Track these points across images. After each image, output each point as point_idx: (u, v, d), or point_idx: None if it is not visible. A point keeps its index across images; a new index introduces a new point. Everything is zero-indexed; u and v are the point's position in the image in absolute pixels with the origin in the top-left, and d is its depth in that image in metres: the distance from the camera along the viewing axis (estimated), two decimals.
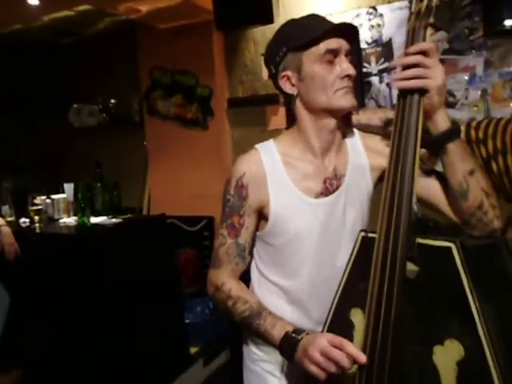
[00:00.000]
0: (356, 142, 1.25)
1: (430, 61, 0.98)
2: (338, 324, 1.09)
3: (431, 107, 1.01)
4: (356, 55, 2.69)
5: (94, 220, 2.65)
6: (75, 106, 3.85)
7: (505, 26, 2.55)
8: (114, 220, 2.59)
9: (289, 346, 1.04)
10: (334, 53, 1.12)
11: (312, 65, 1.12)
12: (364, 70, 2.93)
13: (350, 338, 1.03)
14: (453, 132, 1.04)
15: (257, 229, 1.24)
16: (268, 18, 2.69)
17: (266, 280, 1.27)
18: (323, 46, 1.11)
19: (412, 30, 1.04)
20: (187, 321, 3.03)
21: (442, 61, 2.74)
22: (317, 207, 1.19)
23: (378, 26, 2.89)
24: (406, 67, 1.00)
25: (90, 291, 2.34)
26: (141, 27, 3.33)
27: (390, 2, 2.84)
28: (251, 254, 1.28)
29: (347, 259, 1.15)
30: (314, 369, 0.96)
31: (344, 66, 1.12)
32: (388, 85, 2.91)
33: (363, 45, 2.92)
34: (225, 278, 1.21)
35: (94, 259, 2.35)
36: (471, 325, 0.86)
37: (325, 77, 1.12)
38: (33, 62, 3.82)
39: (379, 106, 2.95)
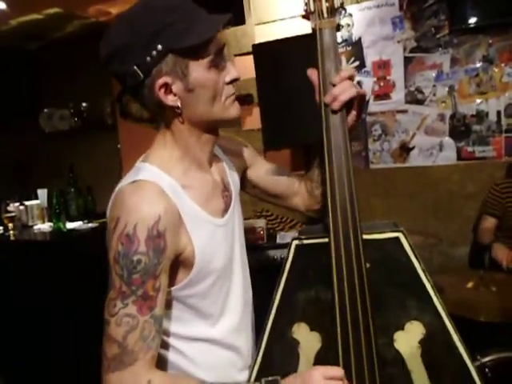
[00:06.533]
0: (216, 147, 1.11)
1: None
2: (278, 347, 1.01)
3: (353, 124, 1.02)
4: None
5: (69, 225, 2.62)
6: (46, 110, 3.78)
7: (469, 23, 2.64)
8: (90, 225, 2.57)
9: None
10: (222, 53, 0.93)
11: (202, 70, 0.90)
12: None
13: (296, 357, 0.99)
14: None
15: (170, 284, 0.94)
16: (239, 19, 2.71)
17: (188, 341, 1.01)
18: (215, 46, 0.90)
19: (319, 30, 0.96)
20: None
21: (410, 58, 2.82)
22: (226, 226, 1.04)
23: (348, 25, 2.94)
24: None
25: (68, 298, 2.32)
26: None
27: (358, 2, 2.90)
28: None
29: (248, 270, 1.14)
30: None
31: (231, 69, 0.95)
32: (359, 83, 2.97)
33: None
34: (148, 374, 0.85)
35: (70, 265, 2.32)
36: (429, 302, 0.94)
37: (216, 83, 0.92)
38: (2, 67, 3.74)
39: None
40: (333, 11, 0.94)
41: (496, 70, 2.68)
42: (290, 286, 1.01)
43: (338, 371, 0.90)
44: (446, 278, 2.06)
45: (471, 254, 2.83)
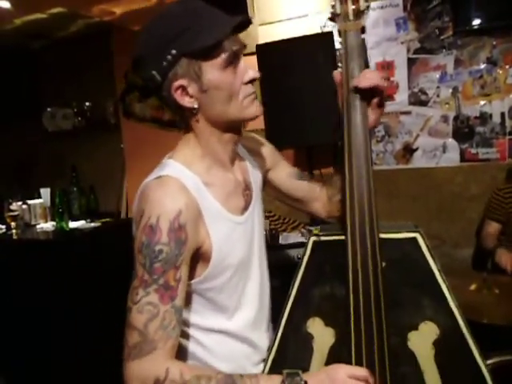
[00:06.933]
0: (239, 146, 1.14)
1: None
2: (293, 340, 1.03)
3: (373, 123, 1.04)
4: (331, 57, 2.72)
5: (72, 225, 2.62)
6: (49, 109, 3.78)
7: (473, 25, 2.63)
8: (92, 224, 2.58)
9: None
10: (237, 55, 0.96)
11: (215, 71, 0.93)
12: (339, 70, 2.97)
13: (310, 351, 1.01)
14: None
15: (190, 277, 0.97)
16: None
17: (206, 332, 1.05)
18: (227, 47, 0.93)
19: (344, 32, 1.00)
20: None
21: (413, 59, 2.82)
22: (245, 224, 1.07)
23: None
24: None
25: (70, 297, 2.32)
26: (116, 29, 3.30)
27: None
28: None
29: (267, 268, 1.17)
30: None
31: (247, 69, 0.98)
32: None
33: (337, 45, 2.96)
34: (166, 363, 0.87)
35: (72, 264, 2.33)
36: (444, 303, 0.94)
37: (232, 85, 0.95)
38: (5, 66, 3.74)
39: None
40: (358, 14, 0.98)
41: (500, 72, 2.67)
42: (306, 281, 1.02)
43: (363, 371, 0.91)
44: (448, 280, 2.04)
45: (474, 257, 2.82)
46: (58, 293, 2.34)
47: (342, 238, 0.99)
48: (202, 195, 0.97)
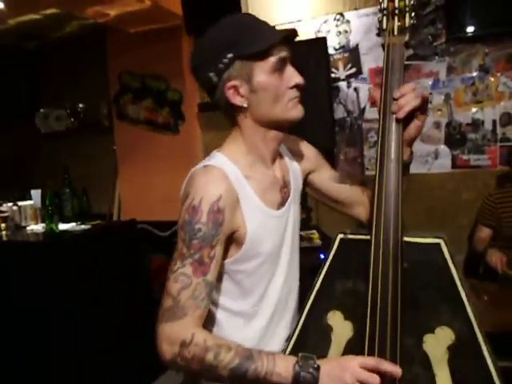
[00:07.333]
0: (283, 147, 1.24)
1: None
2: (313, 330, 1.08)
3: (416, 133, 1.09)
4: (324, 62, 2.73)
5: (62, 227, 2.60)
6: (42, 110, 3.78)
7: (466, 32, 2.65)
8: (82, 226, 2.56)
9: (308, 376, 0.92)
10: (284, 62, 1.07)
11: (264, 75, 1.05)
12: (332, 75, 2.99)
13: (328, 342, 1.05)
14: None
15: (223, 257, 1.08)
16: None
17: (230, 315, 1.14)
18: (276, 54, 1.05)
19: (387, 45, 1.08)
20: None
21: (406, 66, 2.83)
22: (279, 219, 1.16)
23: (346, 32, 2.95)
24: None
25: (59, 298, 2.30)
26: (110, 31, 3.30)
27: (356, 9, 2.91)
28: None
29: (297, 266, 1.24)
30: None
31: (293, 75, 1.08)
32: (356, 89, 2.97)
33: (331, 50, 2.97)
34: (193, 329, 0.97)
35: (62, 266, 2.31)
36: (461, 310, 0.96)
37: (278, 87, 1.06)
38: None
39: (347, 111, 3.01)
40: (403, 30, 1.07)
41: (492, 80, 2.69)
42: (330, 274, 1.08)
43: (374, 362, 0.93)
44: None
45: (466, 263, 2.83)
46: (50, 294, 2.33)
47: (368, 237, 1.03)
48: (242, 186, 1.07)
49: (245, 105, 1.07)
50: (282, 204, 1.17)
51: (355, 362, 0.92)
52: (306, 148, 1.32)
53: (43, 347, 2.36)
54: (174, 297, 0.98)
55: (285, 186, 1.19)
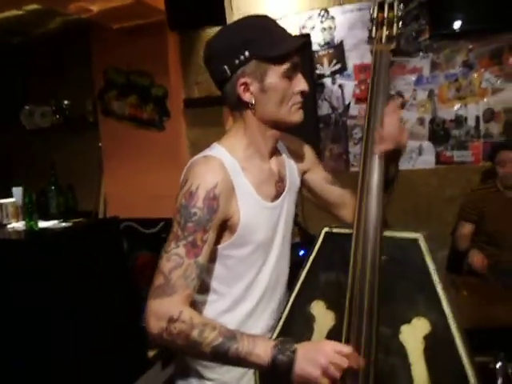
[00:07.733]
0: (281, 145, 1.30)
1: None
2: (298, 318, 1.14)
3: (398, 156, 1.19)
4: (308, 58, 2.72)
5: (43, 224, 2.58)
6: (27, 107, 3.74)
7: (450, 28, 2.64)
8: (63, 224, 2.53)
9: (284, 359, 0.96)
10: (296, 68, 1.13)
11: (277, 77, 1.10)
12: (317, 71, 2.98)
13: (311, 330, 1.11)
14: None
15: (216, 243, 1.14)
16: (220, 19, 2.69)
17: (218, 297, 1.21)
18: (290, 60, 1.11)
19: (375, 52, 1.17)
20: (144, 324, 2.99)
21: (390, 62, 2.82)
22: (272, 210, 1.21)
23: (330, 28, 2.94)
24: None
25: (40, 298, 2.29)
26: (94, 27, 3.27)
27: (341, 5, 2.90)
28: None
29: (287, 258, 1.29)
30: (322, 376, 0.95)
31: (301, 81, 1.14)
32: (340, 86, 2.97)
33: (315, 47, 2.96)
34: (181, 306, 1.02)
35: (43, 265, 2.29)
36: (437, 302, 0.99)
37: (286, 91, 1.12)
38: None
39: (332, 107, 3.01)
40: (391, 38, 1.16)
41: (475, 76, 2.69)
42: (315, 266, 1.14)
43: (347, 349, 0.97)
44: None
45: (450, 259, 2.84)
46: (29, 293, 2.31)
47: (351, 231, 1.08)
48: (238, 176, 1.13)
49: (252, 101, 1.12)
50: (276, 197, 1.22)
51: (330, 346, 0.97)
52: (303, 148, 1.37)
53: (43, 347, 2.35)
54: (166, 275, 1.03)
55: (280, 181, 1.24)
